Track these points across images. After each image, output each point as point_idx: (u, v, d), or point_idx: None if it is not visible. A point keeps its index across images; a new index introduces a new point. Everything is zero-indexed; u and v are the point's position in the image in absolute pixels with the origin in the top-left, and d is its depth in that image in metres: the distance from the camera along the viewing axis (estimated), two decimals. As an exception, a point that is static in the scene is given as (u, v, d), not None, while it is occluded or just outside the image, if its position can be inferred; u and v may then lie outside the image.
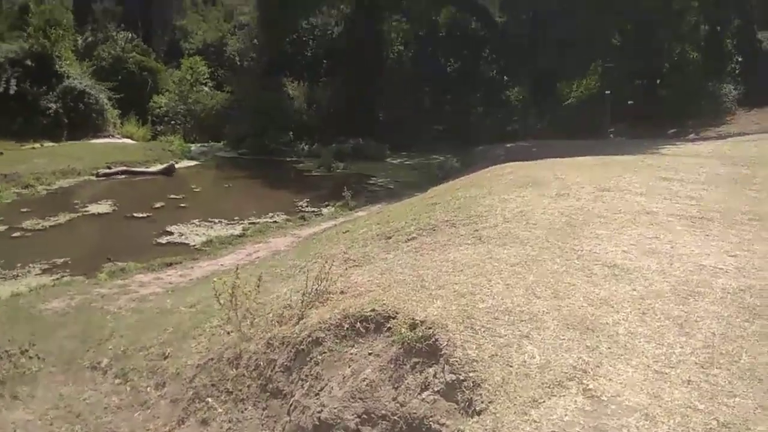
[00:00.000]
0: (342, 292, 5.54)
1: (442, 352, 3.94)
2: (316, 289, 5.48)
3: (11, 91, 27.71)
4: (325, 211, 15.32)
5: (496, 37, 32.02)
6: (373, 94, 29.30)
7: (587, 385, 3.42)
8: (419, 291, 4.94)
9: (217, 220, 14.19)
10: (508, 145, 23.87)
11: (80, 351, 6.71)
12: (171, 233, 13.10)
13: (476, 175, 12.17)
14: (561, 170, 10.73)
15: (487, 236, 6.67)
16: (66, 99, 28.99)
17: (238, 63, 37.98)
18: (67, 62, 30.75)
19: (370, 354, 4.27)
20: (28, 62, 28.51)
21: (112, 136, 30.54)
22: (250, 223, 13.94)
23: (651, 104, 27.25)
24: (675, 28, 28.61)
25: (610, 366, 3.65)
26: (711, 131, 23.97)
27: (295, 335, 4.80)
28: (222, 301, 5.48)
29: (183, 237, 12.84)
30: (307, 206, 15.91)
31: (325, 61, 32.18)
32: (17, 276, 10.34)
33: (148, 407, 5.22)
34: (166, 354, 5.92)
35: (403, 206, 10.36)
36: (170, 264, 10.69)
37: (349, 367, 4.25)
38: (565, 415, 3.17)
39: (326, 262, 5.69)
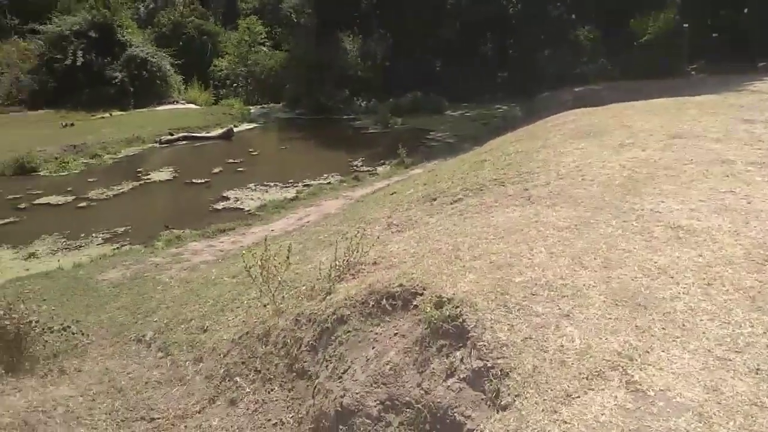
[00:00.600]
0: (375, 263, 5.21)
1: (470, 334, 3.55)
2: (347, 261, 5.19)
3: (78, 63, 28.59)
4: (380, 170, 14.96)
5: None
6: (431, 44, 28.21)
7: (632, 376, 2.96)
8: (452, 262, 4.53)
9: (272, 184, 14.14)
10: (577, 90, 22.47)
11: (129, 323, 6.78)
12: (227, 198, 13.17)
13: (535, 125, 11.42)
14: (629, 116, 9.87)
15: (537, 196, 6.13)
16: (130, 67, 29.69)
17: (295, 20, 37.56)
18: (129, 31, 31.36)
19: (395, 334, 3.95)
20: (92, 33, 29.20)
21: (177, 102, 31.21)
22: (304, 186, 13.80)
23: (737, 36, 24.81)
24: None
25: (663, 351, 3.15)
26: (807, 62, 21.58)
27: (320, 312, 4.54)
28: (253, 275, 5.28)
29: (239, 202, 12.88)
30: (362, 165, 15.60)
31: (378, 11, 31.11)
32: (80, 246, 10.66)
33: (185, 383, 5.16)
34: (206, 327, 5.85)
35: (453, 164, 9.84)
36: (224, 230, 10.72)
37: (373, 348, 3.95)
38: (602, 413, 2.74)
39: (358, 231, 5.37)
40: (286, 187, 13.87)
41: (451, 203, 6.98)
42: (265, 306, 5.53)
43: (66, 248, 10.61)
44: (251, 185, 14.11)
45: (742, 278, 3.86)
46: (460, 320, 3.66)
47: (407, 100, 23.69)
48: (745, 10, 26.60)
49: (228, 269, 7.63)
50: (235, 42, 36.19)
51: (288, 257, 5.29)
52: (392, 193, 8.93)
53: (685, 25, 22.42)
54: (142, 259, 9.24)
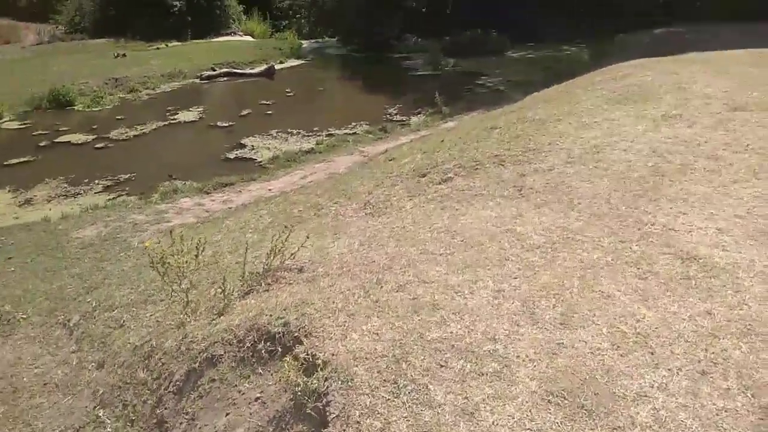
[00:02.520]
0: (300, 270, 4.17)
1: (329, 429, 2.49)
2: (265, 267, 4.17)
3: (138, -10, 28.08)
4: (413, 120, 13.56)
5: None
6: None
7: None
8: (369, 291, 3.42)
9: (295, 131, 13.12)
10: (657, 31, 19.83)
11: (69, 298, 6.11)
12: (244, 146, 12.29)
13: (579, 79, 9.74)
14: (691, 73, 8.09)
15: (530, 187, 4.83)
16: (190, -3, 28.94)
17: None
18: (192, -42, 30.33)
19: (257, 399, 2.94)
20: (154, -40, 28.40)
21: (235, 34, 30.40)
22: (327, 135, 12.70)
23: None
24: None
25: None
26: None
27: (197, 342, 3.59)
28: (160, 272, 4.37)
29: (253, 151, 11.98)
30: (396, 114, 14.23)
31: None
32: (78, 194, 10.16)
33: (74, 396, 4.41)
34: (123, 322, 5.05)
35: (467, 126, 8.45)
36: (224, 185, 9.91)
37: (227, 415, 2.97)
38: None
39: (286, 227, 4.29)
40: (308, 135, 12.82)
41: (439, 183, 5.77)
42: (184, 307, 4.61)
43: (64, 195, 10.13)
44: (273, 132, 13.15)
45: (758, 366, 2.56)
46: (324, 402, 2.60)
47: (465, 38, 21.68)
48: None
49: (184, 242, 6.77)
50: (299, -30, 34.55)
51: (198, 255, 4.32)
52: (390, 159, 7.73)
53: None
54: (125, 216, 8.59)
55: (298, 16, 34.14)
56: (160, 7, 28.42)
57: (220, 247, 5.84)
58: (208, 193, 9.65)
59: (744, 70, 8.22)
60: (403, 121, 13.58)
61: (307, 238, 4.33)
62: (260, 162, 11.32)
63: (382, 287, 3.44)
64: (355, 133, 12.71)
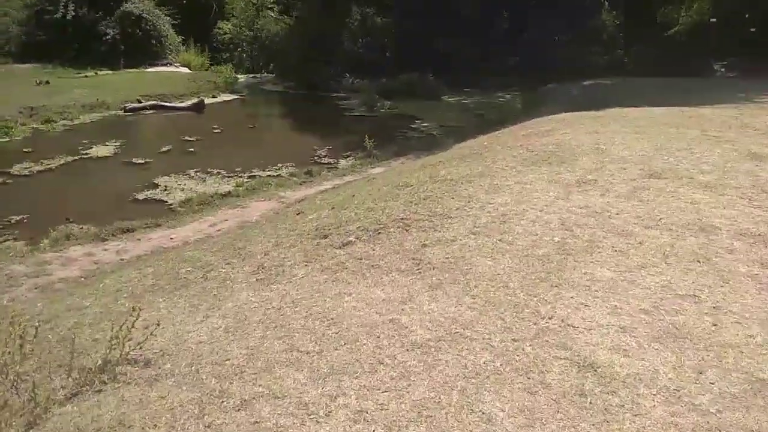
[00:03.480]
0: (147, 364, 3.51)
1: None
2: (103, 360, 3.48)
3: (68, 17, 26.97)
4: (342, 163, 13.09)
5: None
6: (443, 22, 25.91)
7: None
8: (203, 410, 2.79)
9: (215, 171, 12.39)
10: (586, 83, 20.32)
11: None
12: (156, 186, 11.46)
13: (500, 134, 9.53)
14: (611, 132, 7.98)
15: (429, 261, 4.35)
16: (123, 24, 27.96)
17: (307, -15, 35.33)
18: (127, -15, 29.49)
19: None
20: (87, -15, 27.44)
21: (171, 64, 29.50)
22: (249, 177, 12.04)
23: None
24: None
25: None
26: None
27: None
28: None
29: (166, 192, 11.17)
30: (325, 156, 13.72)
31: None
32: (-40, 238, 9.12)
33: None
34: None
35: (378, 182, 8.01)
36: (124, 231, 9.08)
37: None
38: None
39: (134, 309, 3.63)
40: (228, 176, 12.13)
41: (338, 247, 5.24)
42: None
43: (-58, 239, 9.07)
44: (191, 171, 12.38)
45: None
46: None
47: (402, 81, 21.59)
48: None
49: (61, 303, 5.97)
50: (242, 5, 34.22)
51: (22, 345, 3.60)
52: (298, 213, 7.17)
53: (713, 20, 19.92)
54: (3, 267, 7.65)
55: (239, 49, 33.64)
56: (93, 34, 27.38)
57: (84, 317, 5.08)
58: (104, 240, 8.79)
59: (663, 130, 8.14)
60: (331, 164, 13.10)
61: (157, 325, 3.67)
62: (171, 205, 10.53)
63: (223, 402, 2.83)
64: (279, 176, 12.12)
